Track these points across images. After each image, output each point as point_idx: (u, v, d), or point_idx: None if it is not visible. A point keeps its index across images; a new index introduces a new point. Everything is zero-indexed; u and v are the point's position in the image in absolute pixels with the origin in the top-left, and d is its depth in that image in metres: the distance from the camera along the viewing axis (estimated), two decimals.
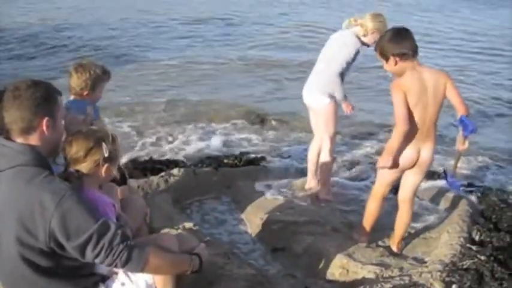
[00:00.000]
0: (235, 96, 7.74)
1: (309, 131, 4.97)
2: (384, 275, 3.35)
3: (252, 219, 4.25)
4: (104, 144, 2.35)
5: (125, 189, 3.37)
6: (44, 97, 2.16)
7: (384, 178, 3.60)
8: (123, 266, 2.17)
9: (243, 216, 4.36)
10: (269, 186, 4.84)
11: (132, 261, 2.17)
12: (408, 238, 3.93)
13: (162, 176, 4.58)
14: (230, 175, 4.96)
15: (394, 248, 3.75)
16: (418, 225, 4.19)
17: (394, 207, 3.82)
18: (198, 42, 10.95)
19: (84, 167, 2.36)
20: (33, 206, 2.06)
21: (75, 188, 2.20)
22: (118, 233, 2.15)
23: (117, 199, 3.00)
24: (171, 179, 4.59)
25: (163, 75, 8.70)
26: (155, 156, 5.34)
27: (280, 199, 4.55)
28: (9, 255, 2.15)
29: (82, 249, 2.11)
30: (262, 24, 12.76)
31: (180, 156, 5.49)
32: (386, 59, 3.32)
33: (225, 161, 5.31)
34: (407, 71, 3.24)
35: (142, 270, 2.25)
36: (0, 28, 11.16)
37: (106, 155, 2.35)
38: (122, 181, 3.39)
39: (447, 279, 3.13)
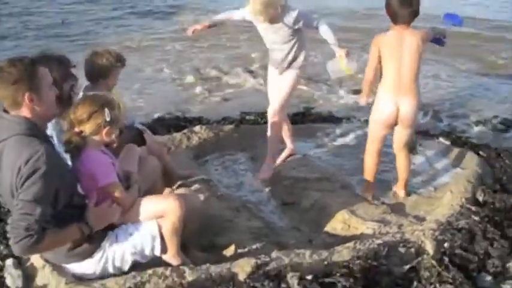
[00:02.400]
0: None
1: None
2: (382, 231, 3.55)
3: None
4: (106, 109, 2.65)
5: (143, 150, 3.65)
6: (23, 74, 2.40)
7: (372, 135, 3.97)
8: (12, 244, 2.40)
9: (255, 171, 4.58)
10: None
11: (16, 247, 2.38)
12: (413, 196, 4.10)
13: (184, 133, 4.86)
14: (251, 133, 5.17)
15: (402, 193, 4.09)
16: (425, 183, 4.33)
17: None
18: None
19: (87, 128, 2.67)
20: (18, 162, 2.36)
21: (50, 163, 2.39)
22: (29, 219, 2.33)
23: (134, 161, 3.29)
24: (193, 136, 4.86)
25: None
26: (179, 114, 5.63)
27: (296, 157, 4.75)
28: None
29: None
30: None
31: (203, 114, 5.74)
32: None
33: (247, 117, 5.54)
34: (391, 30, 3.68)
35: (27, 254, 2.55)
36: None
37: (108, 119, 2.65)
38: (140, 142, 3.69)
39: (440, 237, 3.28)
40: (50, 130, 3.03)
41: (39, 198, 2.35)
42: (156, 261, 2.92)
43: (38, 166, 2.34)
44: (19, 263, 2.96)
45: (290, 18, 4.07)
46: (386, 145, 4.07)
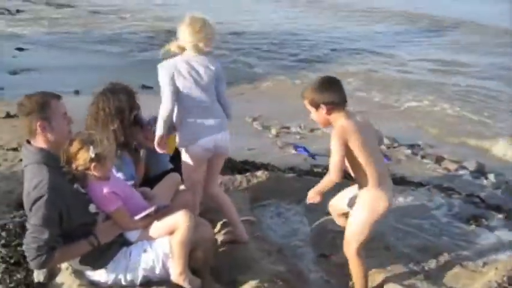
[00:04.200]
0: None
1: None
2: None
3: (316, 226, 4.52)
4: (91, 147, 2.86)
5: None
6: (35, 105, 2.80)
7: (363, 234, 3.40)
8: (29, 261, 2.82)
9: (309, 222, 4.62)
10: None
11: (31, 264, 2.80)
12: (457, 267, 3.86)
13: (245, 176, 5.07)
14: (313, 184, 5.22)
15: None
16: (475, 257, 4.03)
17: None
18: None
19: (78, 164, 2.91)
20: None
21: (53, 190, 2.74)
22: (38, 241, 2.71)
23: (169, 192, 3.61)
24: (254, 179, 5.05)
25: None
26: (247, 158, 5.87)
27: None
28: None
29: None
30: None
31: (273, 161, 5.91)
32: (317, 108, 3.22)
33: (315, 170, 5.62)
34: (343, 118, 3.17)
35: (42, 269, 2.94)
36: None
37: (92, 156, 2.87)
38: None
39: None
40: None
41: (45, 222, 2.72)
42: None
43: (42, 193, 2.71)
44: None
45: None
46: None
